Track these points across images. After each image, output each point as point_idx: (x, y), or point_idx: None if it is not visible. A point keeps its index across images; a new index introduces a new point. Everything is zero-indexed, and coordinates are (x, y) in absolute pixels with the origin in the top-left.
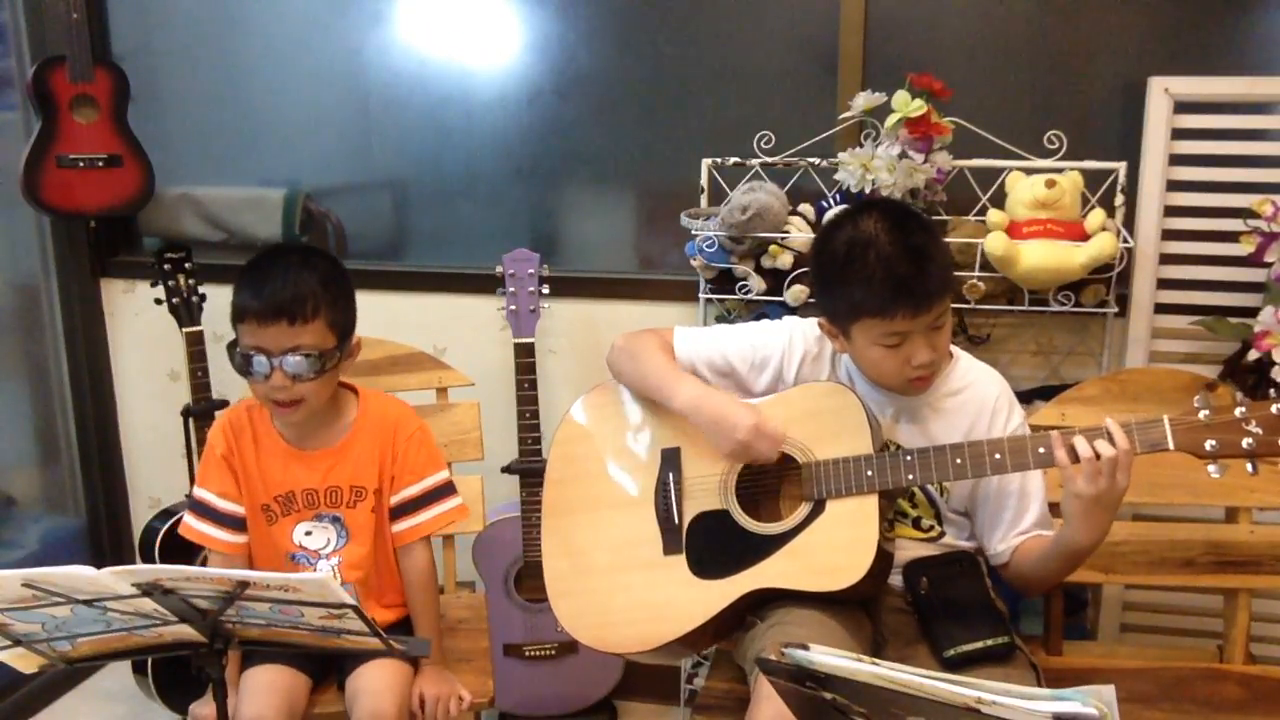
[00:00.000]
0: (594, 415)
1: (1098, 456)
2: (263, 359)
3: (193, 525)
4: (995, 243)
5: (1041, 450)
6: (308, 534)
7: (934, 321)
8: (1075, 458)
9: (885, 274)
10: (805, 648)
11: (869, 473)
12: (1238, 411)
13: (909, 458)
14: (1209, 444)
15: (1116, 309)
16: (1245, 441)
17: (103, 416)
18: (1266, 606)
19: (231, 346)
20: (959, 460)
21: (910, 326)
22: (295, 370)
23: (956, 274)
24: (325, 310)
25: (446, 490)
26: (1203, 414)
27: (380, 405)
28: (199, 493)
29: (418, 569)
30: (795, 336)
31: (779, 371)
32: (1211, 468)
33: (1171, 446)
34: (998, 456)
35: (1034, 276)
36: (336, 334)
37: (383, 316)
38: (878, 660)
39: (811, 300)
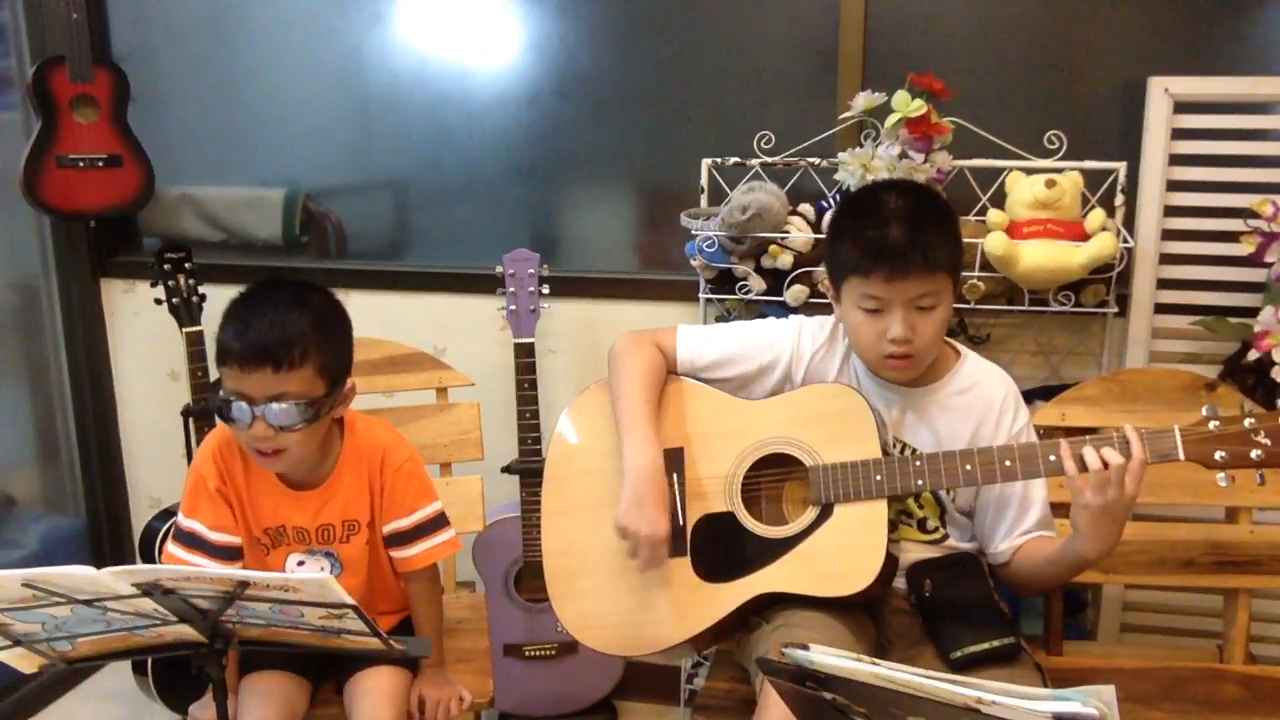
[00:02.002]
0: (595, 413)
1: (1106, 467)
2: (244, 406)
3: (180, 557)
4: (995, 243)
5: (1053, 458)
6: (300, 564)
7: (917, 299)
8: (1084, 467)
9: (874, 234)
10: (805, 648)
11: (878, 477)
12: (1247, 423)
13: (918, 463)
14: (1219, 455)
15: (1116, 309)
16: (1254, 453)
17: (103, 416)
18: (1266, 606)
19: (214, 387)
20: (969, 466)
21: (888, 293)
22: (279, 420)
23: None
24: (314, 355)
25: (438, 523)
26: (1212, 424)
27: (367, 433)
28: (187, 523)
29: (419, 592)
30: (804, 335)
31: (788, 371)
32: (1220, 476)
33: (1182, 457)
34: (1008, 464)
35: (1034, 276)
36: (327, 381)
37: (383, 316)
38: (877, 660)
39: (812, 300)
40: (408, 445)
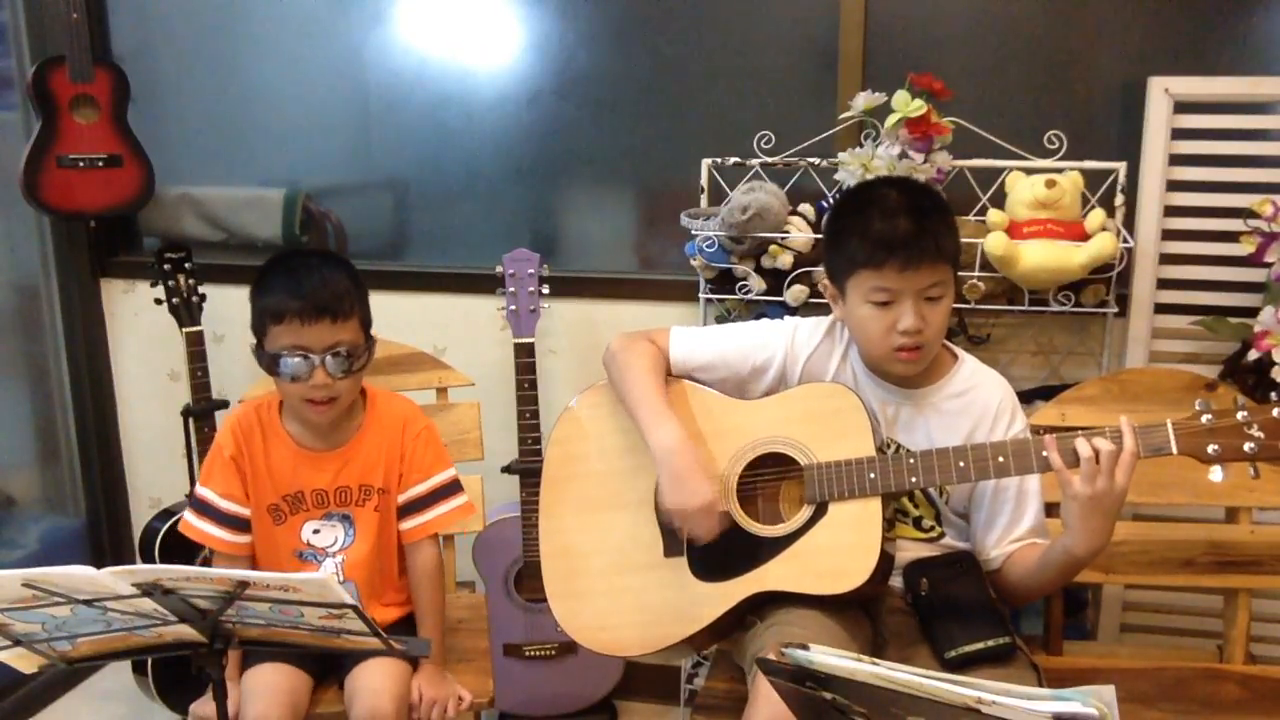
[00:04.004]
0: (592, 414)
1: (1097, 458)
2: (304, 359)
3: (193, 524)
4: (995, 243)
5: (1045, 454)
6: (315, 532)
7: (927, 289)
8: (1075, 460)
9: (882, 226)
10: (805, 648)
11: (871, 475)
12: (1240, 415)
13: (911, 460)
14: (1211, 448)
15: (1116, 309)
16: (1247, 446)
17: (103, 416)
18: (1266, 606)
19: (259, 350)
20: (962, 463)
21: (899, 284)
22: (338, 368)
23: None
24: (358, 306)
25: (453, 488)
26: (1205, 418)
27: (388, 404)
28: (201, 491)
29: (425, 566)
30: (799, 335)
31: (782, 372)
32: (1214, 471)
33: (1175, 451)
34: (1001, 460)
35: (1034, 276)
36: (365, 331)
37: (383, 316)
38: (878, 660)
39: (812, 300)
40: (425, 416)
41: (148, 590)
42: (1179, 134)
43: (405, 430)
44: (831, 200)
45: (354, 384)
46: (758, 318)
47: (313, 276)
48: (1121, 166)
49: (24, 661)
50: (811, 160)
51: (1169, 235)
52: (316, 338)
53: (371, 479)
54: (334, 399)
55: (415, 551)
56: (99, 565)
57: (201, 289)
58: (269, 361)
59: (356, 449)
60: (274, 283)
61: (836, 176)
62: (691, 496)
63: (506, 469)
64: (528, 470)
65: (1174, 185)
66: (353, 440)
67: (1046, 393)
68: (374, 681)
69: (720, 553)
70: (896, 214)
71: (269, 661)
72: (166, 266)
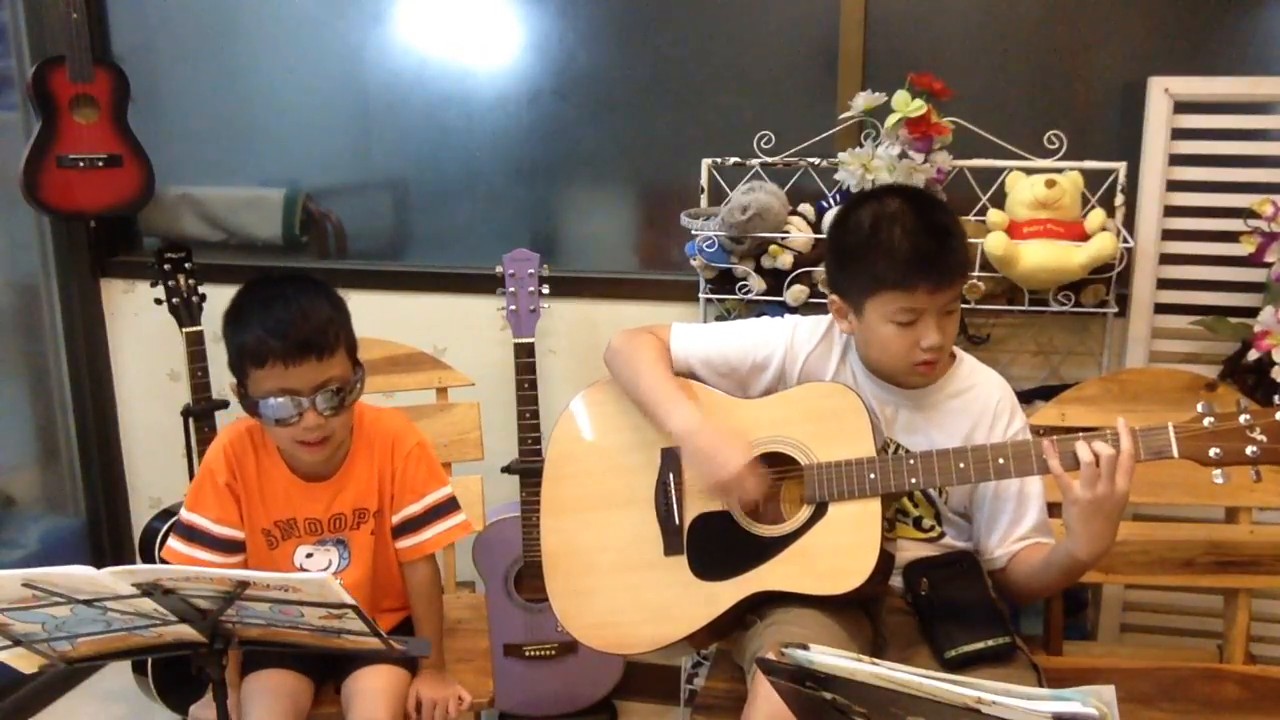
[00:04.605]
0: (592, 413)
1: (1097, 462)
2: (293, 401)
3: (180, 550)
4: (995, 243)
5: (1045, 456)
6: (309, 556)
7: (948, 304)
8: (1075, 464)
9: (910, 246)
10: (805, 648)
11: (871, 476)
12: (1242, 419)
13: (911, 461)
14: (1213, 451)
15: (1116, 309)
16: (1250, 450)
17: (103, 416)
18: (1266, 606)
19: (241, 394)
20: (962, 465)
21: (927, 303)
22: (329, 406)
23: None
24: (343, 336)
25: (449, 507)
26: (1207, 421)
27: (376, 421)
28: (190, 518)
29: (421, 583)
30: (800, 334)
31: (781, 370)
32: (1216, 474)
33: (1176, 454)
34: (1001, 462)
35: (1034, 276)
36: (352, 359)
37: (383, 316)
38: (877, 660)
39: (812, 300)
40: (416, 431)
41: (148, 590)
42: (1179, 134)
43: (395, 450)
44: (832, 201)
45: (348, 418)
46: (758, 317)
47: (291, 310)
48: (1121, 166)
49: (24, 661)
50: (811, 160)
51: (1169, 235)
52: (303, 378)
53: (366, 502)
54: (328, 438)
55: (411, 570)
56: (99, 565)
57: (201, 289)
58: (253, 406)
59: (349, 475)
60: (250, 320)
61: (836, 176)
62: (723, 468)
63: (506, 469)
64: (528, 470)
65: (1174, 185)
66: (344, 465)
67: (1046, 393)
68: (371, 687)
69: (720, 552)
70: (920, 234)
71: (270, 666)
72: (166, 266)
